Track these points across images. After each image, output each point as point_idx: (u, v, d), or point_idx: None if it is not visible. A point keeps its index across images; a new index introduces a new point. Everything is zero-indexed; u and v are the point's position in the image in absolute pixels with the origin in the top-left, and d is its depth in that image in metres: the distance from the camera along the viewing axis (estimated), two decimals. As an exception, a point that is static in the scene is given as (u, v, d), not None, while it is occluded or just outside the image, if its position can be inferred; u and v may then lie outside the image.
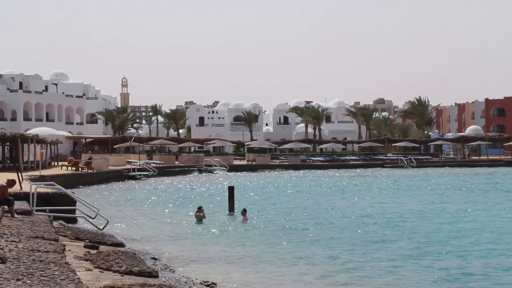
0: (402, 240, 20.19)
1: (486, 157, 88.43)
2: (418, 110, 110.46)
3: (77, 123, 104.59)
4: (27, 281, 9.25)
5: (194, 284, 13.57)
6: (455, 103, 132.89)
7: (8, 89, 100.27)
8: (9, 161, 50.08)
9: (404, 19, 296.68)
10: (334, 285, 14.15)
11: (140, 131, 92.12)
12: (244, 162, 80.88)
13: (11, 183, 18.92)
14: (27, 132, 56.77)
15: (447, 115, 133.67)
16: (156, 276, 12.84)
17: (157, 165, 65.62)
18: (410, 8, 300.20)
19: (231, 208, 28.49)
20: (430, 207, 31.10)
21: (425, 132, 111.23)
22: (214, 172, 67.98)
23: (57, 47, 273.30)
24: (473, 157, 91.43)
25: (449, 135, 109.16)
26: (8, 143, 50.32)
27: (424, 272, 15.29)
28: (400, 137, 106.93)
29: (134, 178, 55.59)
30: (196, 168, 69.00)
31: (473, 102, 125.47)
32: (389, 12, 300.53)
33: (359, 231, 22.37)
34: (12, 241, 13.23)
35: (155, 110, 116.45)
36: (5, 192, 17.92)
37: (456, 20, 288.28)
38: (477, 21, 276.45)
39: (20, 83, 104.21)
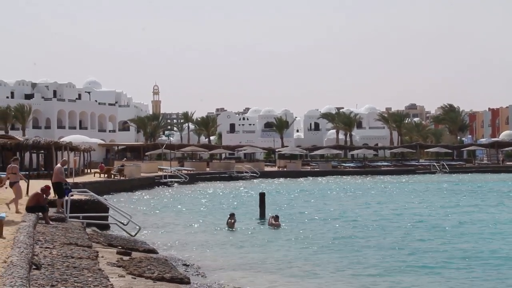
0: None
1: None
2: (451, 116, 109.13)
3: (109, 131, 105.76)
4: (61, 287, 9.37)
5: (225, 290, 13.57)
6: (489, 108, 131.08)
7: (43, 97, 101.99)
8: (43, 169, 50.82)
9: (434, 21, 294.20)
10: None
11: (171, 138, 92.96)
12: (275, 169, 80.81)
13: (46, 190, 19.20)
14: (61, 140, 57.53)
15: (481, 120, 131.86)
16: (188, 283, 12.89)
17: (189, 172, 65.89)
18: (441, 12, 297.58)
19: (262, 215, 28.47)
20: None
21: (458, 137, 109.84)
22: (245, 178, 68.02)
23: (90, 55, 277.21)
24: (507, 163, 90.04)
25: (483, 140, 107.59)
26: (42, 151, 51.12)
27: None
28: (432, 142, 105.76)
29: (165, 185, 55.90)
30: (227, 175, 69.14)
31: (507, 107, 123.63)
32: (419, 15, 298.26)
33: (394, 237, 22.16)
34: (46, 247, 13.40)
35: (186, 117, 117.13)
36: (40, 199, 18.17)
37: (487, 22, 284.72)
38: (508, 22, 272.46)
39: (54, 92, 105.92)
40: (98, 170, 51.21)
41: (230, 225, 25.15)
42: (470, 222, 26.81)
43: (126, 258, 14.74)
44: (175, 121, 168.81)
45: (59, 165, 21.83)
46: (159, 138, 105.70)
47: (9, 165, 21.61)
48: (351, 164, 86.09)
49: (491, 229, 24.55)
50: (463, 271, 16.05)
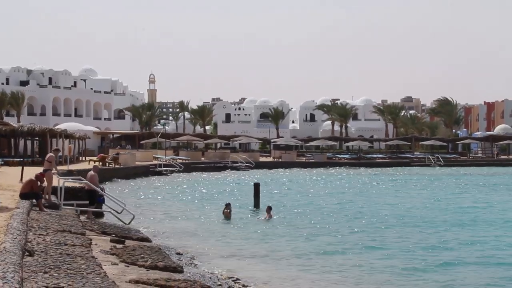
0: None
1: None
2: (446, 109, 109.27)
3: (105, 119, 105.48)
4: (54, 274, 9.37)
5: (218, 279, 13.61)
6: (484, 102, 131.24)
7: (38, 84, 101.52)
8: (38, 156, 50.72)
9: (431, 15, 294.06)
10: (362, 283, 14.10)
11: (167, 127, 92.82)
12: (270, 159, 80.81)
13: (40, 177, 19.15)
14: (56, 127, 57.46)
15: (476, 114, 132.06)
16: (181, 271, 12.91)
17: (183, 161, 65.85)
18: (437, 6, 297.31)
19: (257, 205, 28.54)
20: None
21: (453, 130, 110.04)
22: (240, 168, 68.02)
23: (87, 42, 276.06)
24: (502, 156, 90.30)
25: (478, 134, 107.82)
26: (37, 138, 51.04)
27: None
28: (427, 135, 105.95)
29: (160, 173, 55.91)
30: (222, 165, 69.13)
31: (502, 100, 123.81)
32: (417, 8, 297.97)
33: (385, 229, 22.26)
34: (40, 234, 13.39)
35: (182, 106, 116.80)
36: (34, 186, 18.14)
37: (483, 17, 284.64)
38: (505, 17, 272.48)
39: (50, 79, 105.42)
40: (93, 158, 51.19)
41: (226, 215, 25.16)
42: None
43: (119, 246, 14.74)
44: (170, 110, 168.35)
45: (92, 172, 21.48)
46: (155, 127, 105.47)
47: (49, 153, 22.39)
48: (346, 156, 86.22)
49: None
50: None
